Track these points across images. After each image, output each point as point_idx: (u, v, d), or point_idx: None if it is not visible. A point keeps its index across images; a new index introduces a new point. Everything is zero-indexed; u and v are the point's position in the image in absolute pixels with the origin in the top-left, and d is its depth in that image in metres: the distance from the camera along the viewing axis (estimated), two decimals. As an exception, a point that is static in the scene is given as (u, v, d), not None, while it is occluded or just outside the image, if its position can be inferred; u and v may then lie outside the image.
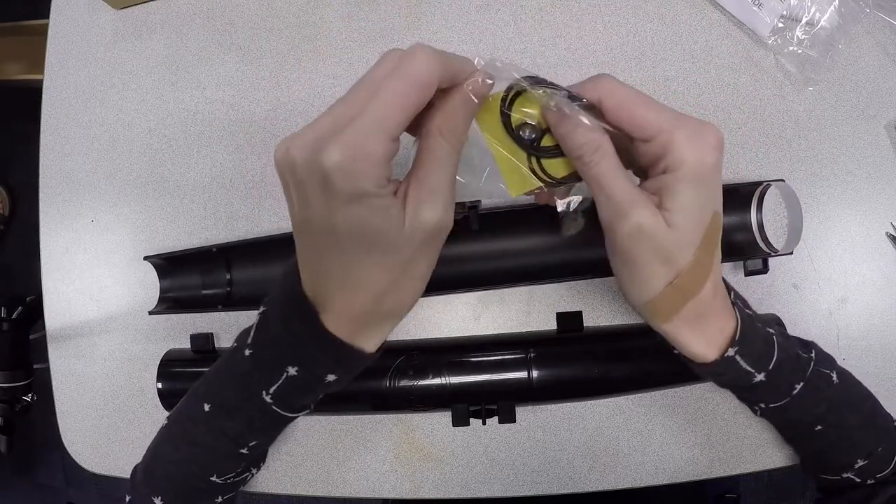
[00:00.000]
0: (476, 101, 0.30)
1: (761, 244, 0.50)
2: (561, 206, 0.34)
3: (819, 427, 0.41)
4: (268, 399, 0.35)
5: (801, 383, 0.39)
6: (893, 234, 0.51)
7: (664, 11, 0.54)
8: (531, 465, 0.53)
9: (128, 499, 0.43)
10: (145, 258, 0.55)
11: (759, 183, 0.50)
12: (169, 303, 0.55)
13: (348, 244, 0.29)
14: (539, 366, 0.49)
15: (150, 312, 0.54)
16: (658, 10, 0.55)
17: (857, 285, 0.51)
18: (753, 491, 1.23)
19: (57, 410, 0.58)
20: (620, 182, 0.31)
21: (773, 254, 0.49)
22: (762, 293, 0.52)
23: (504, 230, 0.52)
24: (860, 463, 0.41)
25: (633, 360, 0.50)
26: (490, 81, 0.30)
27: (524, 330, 0.53)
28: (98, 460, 0.57)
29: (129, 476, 0.44)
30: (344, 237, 0.29)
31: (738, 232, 0.51)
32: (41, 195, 0.60)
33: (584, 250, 0.51)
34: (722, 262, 0.41)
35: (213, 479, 0.40)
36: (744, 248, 0.50)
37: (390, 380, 0.49)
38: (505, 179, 0.33)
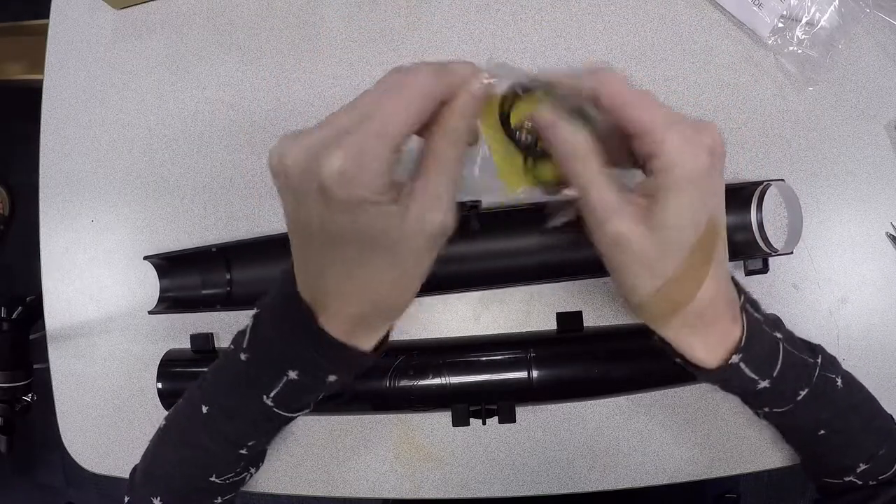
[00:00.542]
0: (477, 102, 0.30)
1: (761, 244, 0.50)
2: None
3: (822, 432, 0.41)
4: (269, 402, 0.35)
5: (806, 389, 0.38)
6: (893, 234, 0.51)
7: (664, 11, 0.54)
8: (531, 465, 0.53)
9: (126, 499, 0.43)
10: (145, 258, 0.55)
11: (759, 183, 0.50)
12: (169, 303, 0.55)
13: (347, 248, 0.29)
14: (539, 366, 0.49)
15: (150, 312, 0.54)
16: (658, 10, 0.55)
17: (857, 285, 0.51)
18: (753, 491, 1.23)
19: (57, 410, 0.58)
20: (601, 190, 0.31)
21: (773, 253, 0.49)
22: (762, 293, 0.52)
23: (504, 230, 0.52)
24: (862, 466, 0.41)
25: (633, 360, 0.50)
26: (492, 81, 0.30)
27: (524, 330, 0.53)
28: (98, 460, 0.57)
29: (128, 476, 0.44)
30: (342, 242, 0.29)
31: (737, 232, 0.51)
32: (41, 195, 0.60)
33: (585, 250, 0.51)
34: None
35: (213, 479, 0.40)
36: (744, 247, 0.50)
37: (390, 380, 0.49)
38: (502, 178, 0.33)
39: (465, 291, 0.53)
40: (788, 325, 0.50)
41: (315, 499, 0.60)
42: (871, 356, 0.51)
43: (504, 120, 0.32)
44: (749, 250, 0.50)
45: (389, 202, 0.28)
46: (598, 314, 0.53)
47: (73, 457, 0.57)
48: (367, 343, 0.34)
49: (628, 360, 0.50)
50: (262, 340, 0.35)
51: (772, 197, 0.51)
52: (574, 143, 0.30)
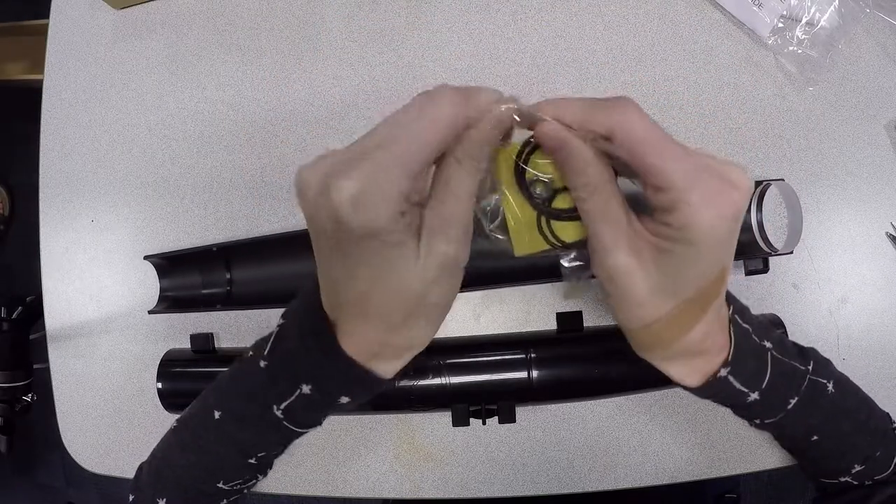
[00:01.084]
0: (498, 131, 0.28)
1: (761, 244, 0.50)
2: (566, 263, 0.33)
3: (815, 437, 0.40)
4: (279, 414, 0.35)
5: (796, 398, 0.38)
6: (893, 234, 0.51)
7: (664, 11, 0.54)
8: (531, 465, 0.53)
9: (131, 498, 0.43)
10: (145, 258, 0.55)
11: (759, 182, 0.50)
12: (169, 302, 0.55)
13: (361, 273, 0.28)
14: (539, 366, 0.49)
15: (150, 312, 0.54)
16: (658, 10, 0.55)
17: (857, 285, 0.51)
18: (753, 491, 1.23)
19: (57, 410, 0.58)
20: (602, 226, 0.29)
21: (773, 253, 0.49)
22: (762, 293, 0.52)
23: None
24: (857, 468, 0.41)
25: (633, 360, 0.49)
26: (513, 109, 0.28)
27: (524, 330, 0.53)
28: (98, 460, 0.57)
29: (128, 476, 0.44)
30: (356, 267, 0.28)
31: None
32: (41, 195, 0.60)
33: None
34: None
35: (220, 485, 0.40)
36: (744, 247, 0.50)
37: (390, 380, 0.49)
38: (511, 236, 0.32)
39: (465, 291, 0.53)
40: (788, 325, 0.50)
41: (315, 499, 0.60)
42: (871, 356, 0.51)
43: (520, 173, 0.30)
44: (749, 250, 0.50)
45: (403, 230, 0.27)
46: (598, 314, 0.53)
47: (73, 457, 0.57)
48: (386, 370, 0.33)
49: (628, 360, 0.49)
50: (283, 350, 0.34)
51: (772, 197, 0.51)
52: (589, 171, 0.28)
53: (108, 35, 0.60)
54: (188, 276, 0.56)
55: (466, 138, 0.28)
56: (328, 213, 0.26)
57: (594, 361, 0.49)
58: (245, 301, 0.55)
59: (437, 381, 0.49)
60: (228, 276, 0.55)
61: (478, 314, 0.54)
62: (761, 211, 0.50)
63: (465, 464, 0.53)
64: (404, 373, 0.48)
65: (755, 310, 0.39)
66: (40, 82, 0.61)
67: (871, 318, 0.51)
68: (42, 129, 0.60)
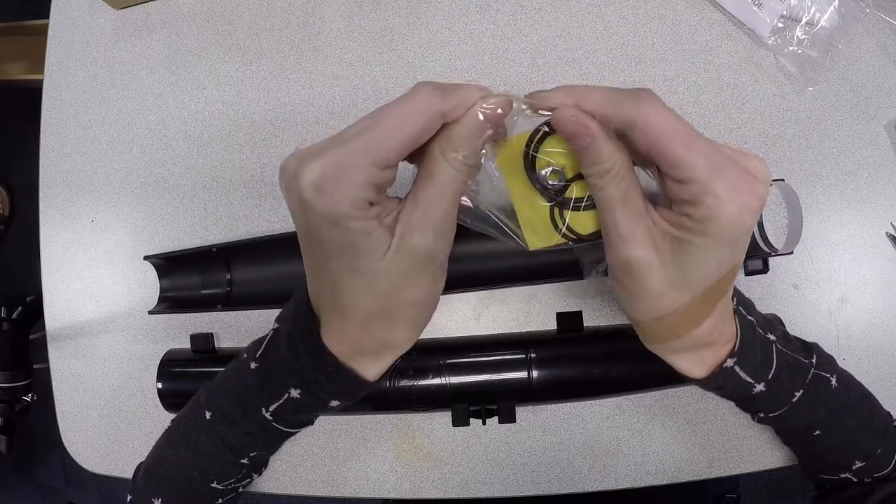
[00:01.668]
0: (484, 121, 0.27)
1: (761, 244, 0.50)
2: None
3: (817, 432, 0.40)
4: (267, 416, 0.35)
5: (801, 391, 0.38)
6: (893, 234, 0.51)
7: (664, 11, 0.54)
8: (531, 465, 0.53)
9: (129, 498, 0.43)
10: (145, 258, 0.55)
11: (759, 183, 0.50)
12: (169, 303, 0.55)
13: (333, 261, 0.29)
14: (539, 366, 0.49)
15: (150, 312, 0.54)
16: (658, 10, 0.55)
17: (857, 285, 0.51)
18: (753, 491, 1.23)
19: (57, 410, 0.58)
20: (620, 215, 0.28)
21: (773, 253, 0.49)
22: (762, 293, 0.52)
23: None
24: (858, 465, 0.41)
25: (633, 360, 0.50)
26: (500, 111, 0.27)
27: (524, 330, 0.53)
28: (98, 460, 0.57)
29: (128, 476, 0.44)
30: (327, 258, 0.29)
31: (738, 232, 0.51)
32: (41, 195, 0.60)
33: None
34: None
35: (214, 485, 0.40)
36: (744, 248, 0.50)
37: (390, 380, 0.49)
38: (523, 231, 0.31)
39: (465, 291, 0.53)
40: (788, 325, 0.50)
41: (315, 499, 0.60)
42: (871, 356, 0.51)
43: (528, 163, 0.29)
44: (749, 250, 0.50)
45: (370, 218, 0.27)
46: (598, 314, 0.53)
47: (73, 457, 0.57)
48: (369, 371, 0.33)
49: (628, 360, 0.50)
50: (275, 353, 0.35)
51: (772, 197, 0.51)
52: (607, 157, 0.28)
53: (108, 35, 0.60)
54: (188, 277, 0.56)
55: (450, 130, 0.28)
56: (297, 197, 0.27)
57: (594, 361, 0.49)
58: (245, 301, 0.55)
59: (437, 381, 0.49)
60: (228, 276, 0.55)
61: (478, 314, 0.54)
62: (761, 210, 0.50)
63: (465, 464, 0.53)
64: (394, 374, 0.49)
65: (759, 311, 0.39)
66: (40, 82, 0.61)
67: (871, 318, 0.51)
68: (42, 129, 0.60)
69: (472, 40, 0.56)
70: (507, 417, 0.49)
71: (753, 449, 0.51)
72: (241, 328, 0.56)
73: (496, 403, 0.49)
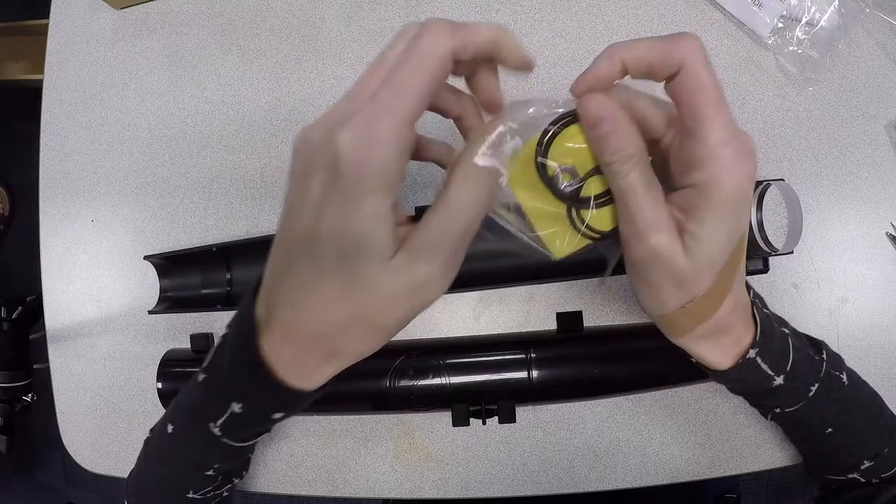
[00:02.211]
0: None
1: (761, 243, 0.50)
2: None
3: (830, 429, 0.40)
4: (216, 431, 0.34)
5: (817, 385, 0.38)
6: (893, 234, 0.51)
7: (664, 11, 0.54)
8: (531, 465, 0.53)
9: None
10: (145, 258, 0.55)
11: (759, 182, 0.50)
12: (169, 302, 0.55)
13: (323, 251, 0.26)
14: (539, 366, 0.49)
15: (150, 312, 0.54)
16: (658, 10, 0.55)
17: (857, 285, 0.51)
18: (753, 491, 1.23)
19: (57, 410, 0.58)
20: (645, 200, 0.28)
21: (773, 253, 0.49)
22: (762, 293, 0.51)
23: (504, 229, 0.52)
24: (866, 464, 0.41)
25: (633, 360, 0.50)
26: (511, 134, 0.27)
27: (524, 330, 0.53)
28: (98, 460, 0.57)
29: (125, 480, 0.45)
30: (322, 241, 0.26)
31: (738, 232, 0.51)
32: (41, 195, 0.60)
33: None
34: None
35: (190, 495, 0.40)
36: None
37: (390, 380, 0.49)
38: (545, 242, 0.30)
39: (465, 291, 0.53)
40: (788, 325, 0.50)
41: (315, 499, 0.60)
42: (871, 356, 0.51)
43: (540, 168, 0.29)
44: (749, 250, 0.50)
45: (389, 210, 0.25)
46: (598, 314, 0.53)
47: (73, 457, 0.57)
48: (310, 381, 0.30)
49: (628, 360, 0.50)
50: (216, 365, 0.33)
51: (772, 196, 0.51)
52: (627, 142, 0.28)
53: (108, 35, 0.60)
54: (188, 276, 0.56)
55: (470, 147, 0.27)
56: (326, 166, 0.25)
57: (594, 361, 0.49)
58: (245, 301, 0.55)
59: (437, 381, 0.49)
60: (228, 276, 0.55)
61: (478, 314, 0.54)
62: (761, 211, 0.50)
63: (466, 464, 0.53)
64: (394, 374, 0.48)
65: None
66: (40, 82, 0.61)
67: (871, 318, 0.51)
68: (42, 129, 0.60)
69: (472, 40, 0.56)
70: (507, 417, 0.49)
71: (753, 449, 0.51)
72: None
73: (496, 403, 0.49)
